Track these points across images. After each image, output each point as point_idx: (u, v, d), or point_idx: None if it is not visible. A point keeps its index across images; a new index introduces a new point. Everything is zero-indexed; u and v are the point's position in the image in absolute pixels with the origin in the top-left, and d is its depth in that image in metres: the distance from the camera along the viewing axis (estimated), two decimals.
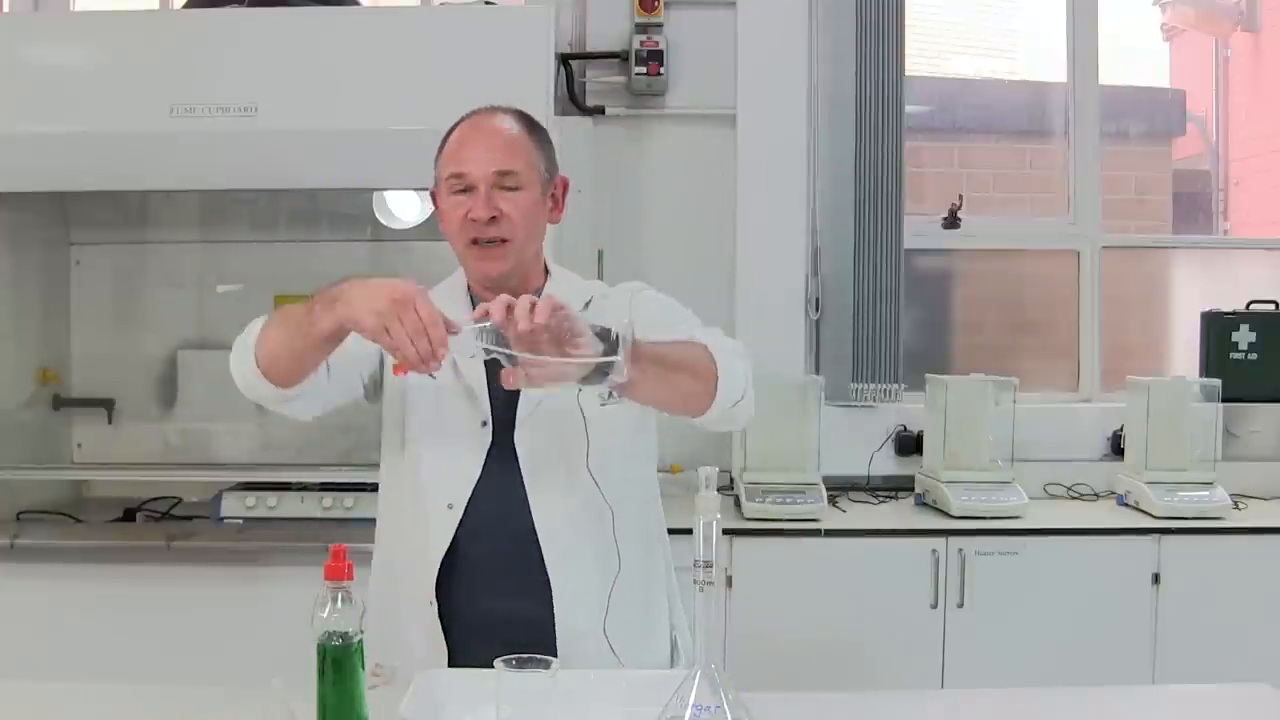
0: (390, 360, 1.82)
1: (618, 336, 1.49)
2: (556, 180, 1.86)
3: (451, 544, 1.76)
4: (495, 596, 1.74)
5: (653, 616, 1.88)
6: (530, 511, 1.75)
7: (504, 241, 1.77)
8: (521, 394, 1.75)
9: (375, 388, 1.89)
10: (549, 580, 1.74)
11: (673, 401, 1.69)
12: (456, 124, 1.84)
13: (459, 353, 1.60)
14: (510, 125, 1.81)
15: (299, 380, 1.77)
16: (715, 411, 1.69)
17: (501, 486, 1.76)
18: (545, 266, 1.90)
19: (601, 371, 1.49)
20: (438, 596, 1.76)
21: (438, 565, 1.76)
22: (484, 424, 1.78)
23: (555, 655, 1.67)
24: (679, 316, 1.86)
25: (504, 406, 1.77)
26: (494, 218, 1.75)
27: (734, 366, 1.70)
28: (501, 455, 1.78)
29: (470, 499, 1.77)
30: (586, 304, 1.85)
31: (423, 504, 1.80)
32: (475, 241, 1.77)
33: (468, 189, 1.77)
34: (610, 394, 1.63)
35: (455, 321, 1.54)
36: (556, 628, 1.73)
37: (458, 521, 1.76)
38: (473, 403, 1.79)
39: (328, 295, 1.65)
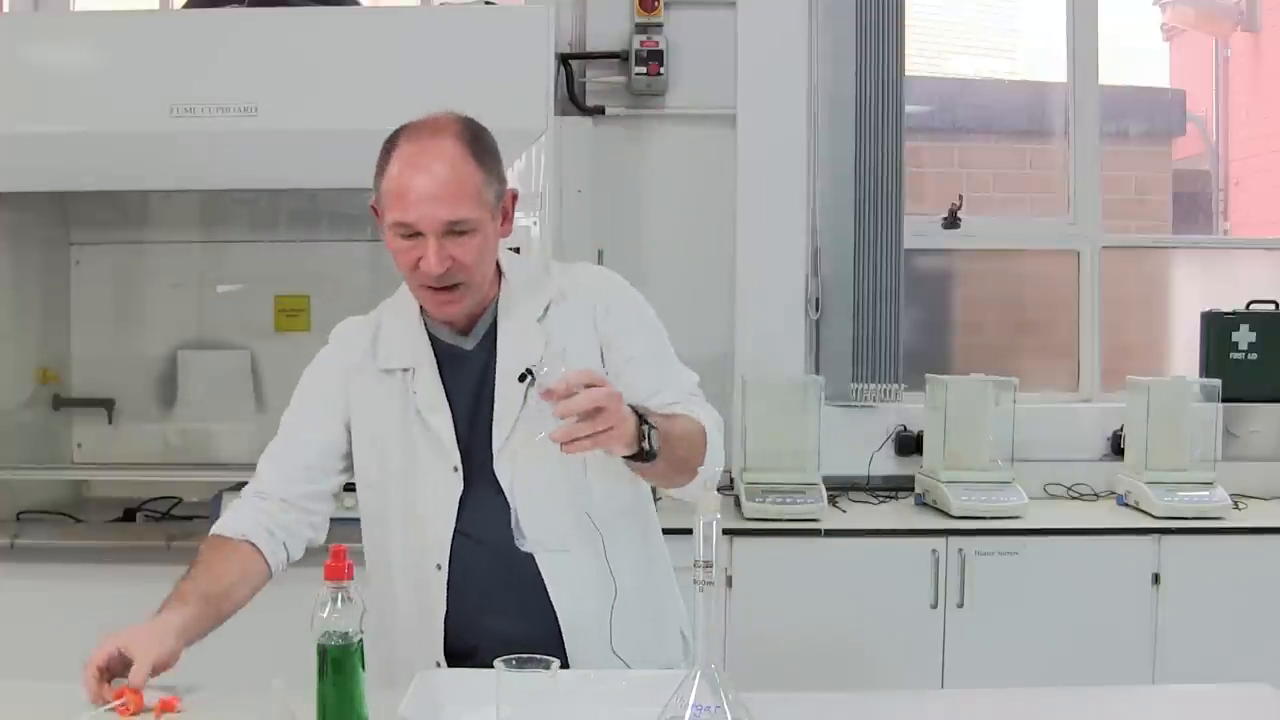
0: (355, 426, 1.82)
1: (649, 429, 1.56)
2: (506, 195, 1.75)
3: (449, 594, 1.74)
4: (501, 625, 1.70)
5: (661, 625, 1.85)
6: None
7: (459, 285, 1.69)
8: (494, 426, 1.73)
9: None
10: (553, 605, 1.72)
11: (671, 478, 1.66)
12: (395, 139, 1.71)
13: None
14: (455, 154, 1.66)
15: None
16: (688, 490, 1.67)
17: (491, 519, 1.71)
18: (499, 269, 1.81)
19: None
20: (446, 638, 1.74)
21: (441, 629, 1.73)
22: (455, 469, 1.74)
23: None
24: (659, 341, 1.81)
25: (479, 443, 1.73)
26: (448, 269, 1.66)
27: (719, 443, 1.70)
28: (487, 487, 1.73)
29: (459, 544, 1.73)
30: (545, 311, 1.78)
31: (411, 567, 1.77)
32: (428, 287, 1.69)
33: (415, 235, 1.66)
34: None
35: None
36: (567, 651, 1.71)
37: (446, 579, 1.73)
38: (441, 450, 1.75)
39: None
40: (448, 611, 1.74)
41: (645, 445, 1.53)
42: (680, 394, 1.75)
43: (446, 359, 1.78)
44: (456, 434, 1.75)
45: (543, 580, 1.72)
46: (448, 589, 1.73)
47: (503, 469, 1.73)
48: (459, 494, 1.74)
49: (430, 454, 1.76)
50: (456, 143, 1.68)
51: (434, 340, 1.80)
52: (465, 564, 1.74)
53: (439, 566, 1.74)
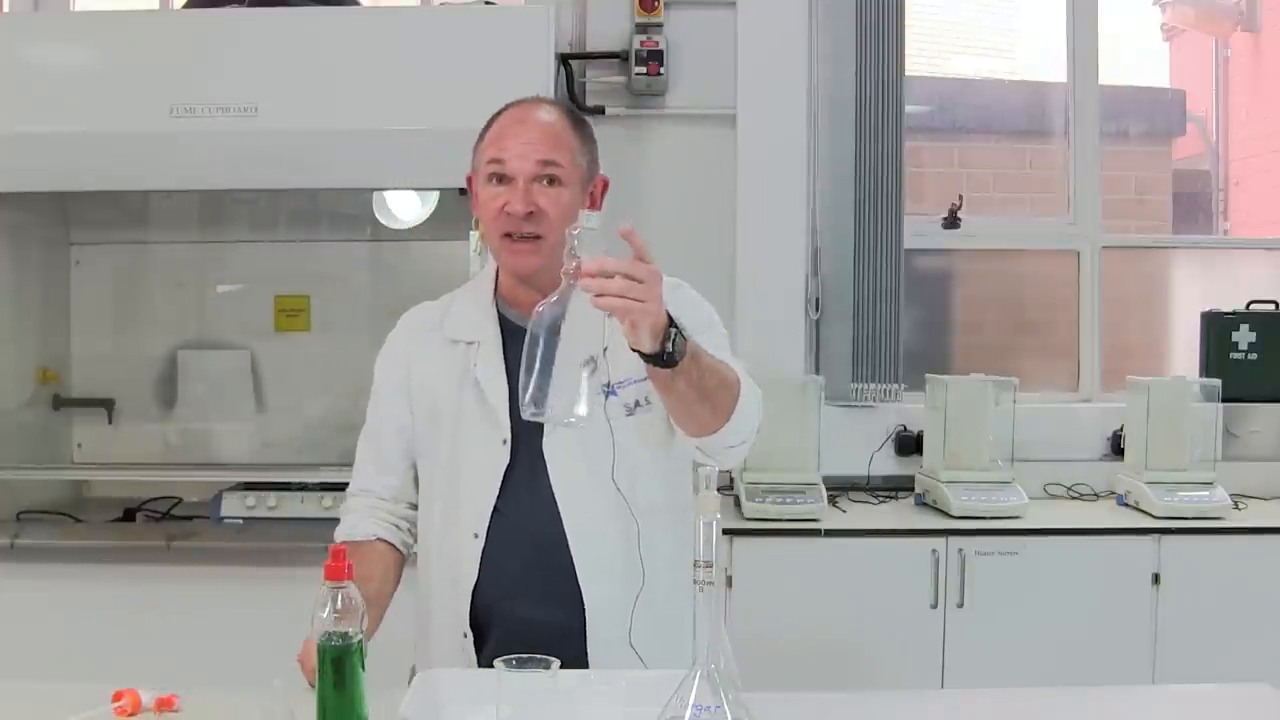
0: (414, 400, 1.85)
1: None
2: (596, 179, 1.84)
3: (481, 566, 1.75)
4: (527, 608, 1.72)
5: (689, 631, 1.85)
6: (561, 521, 1.73)
7: (538, 238, 1.74)
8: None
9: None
10: (580, 590, 1.72)
11: (692, 407, 1.63)
12: (499, 113, 1.81)
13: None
14: (555, 118, 1.79)
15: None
16: (716, 440, 1.67)
17: (531, 498, 1.74)
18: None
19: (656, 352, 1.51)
20: (472, 611, 1.75)
21: (469, 599, 1.75)
22: (504, 442, 1.76)
23: (586, 666, 1.68)
24: (711, 333, 1.81)
25: (531, 423, 1.72)
26: (530, 213, 1.72)
27: (751, 409, 1.69)
28: (530, 466, 1.75)
29: (495, 520, 1.75)
30: None
31: (449, 535, 1.79)
32: (509, 235, 1.74)
33: (506, 179, 1.74)
34: (637, 403, 1.67)
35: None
36: (588, 638, 1.72)
37: (481, 550, 1.75)
38: (493, 421, 1.77)
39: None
40: (477, 584, 1.75)
41: (668, 346, 1.52)
42: (726, 357, 1.74)
43: (512, 337, 1.80)
44: (511, 409, 1.76)
45: (573, 564, 1.72)
46: (480, 561, 1.75)
47: (552, 447, 1.74)
48: (504, 466, 1.76)
49: (482, 424, 1.78)
50: (558, 110, 1.83)
51: (503, 320, 1.83)
52: (501, 539, 1.75)
53: (476, 535, 1.75)
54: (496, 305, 1.84)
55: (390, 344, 1.93)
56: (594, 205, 1.82)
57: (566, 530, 1.73)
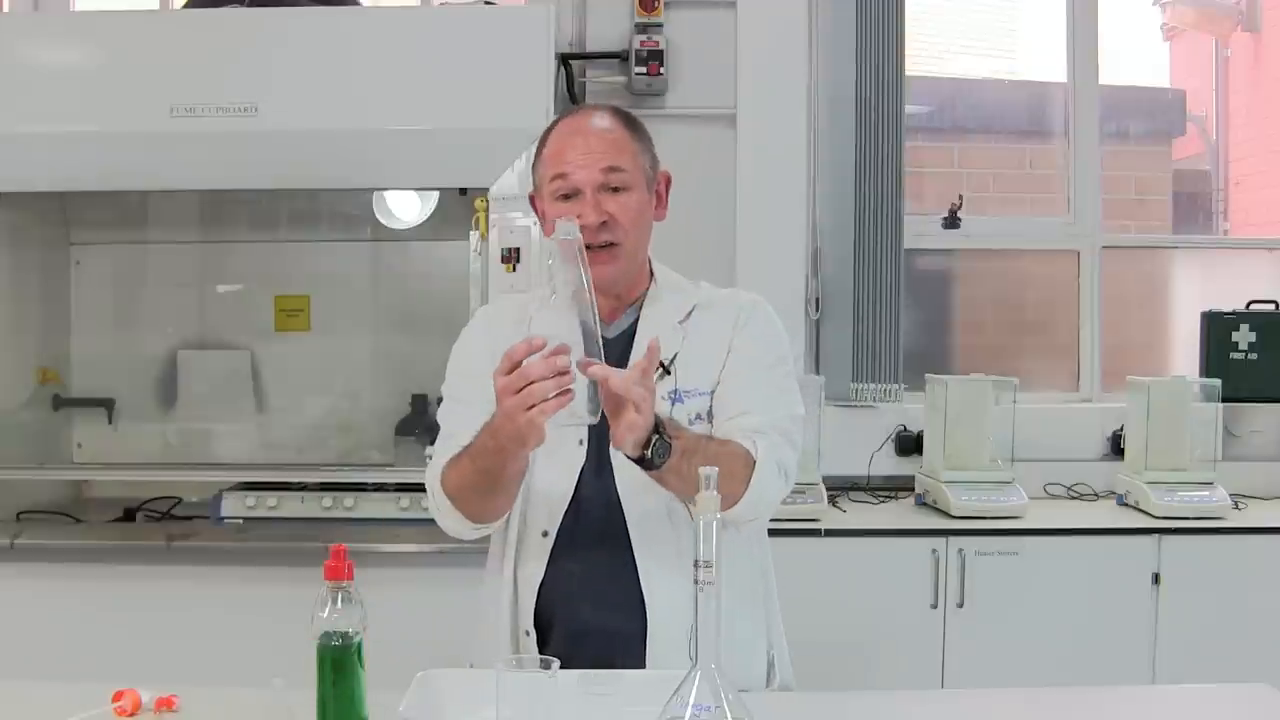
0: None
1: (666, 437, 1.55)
2: (659, 176, 1.84)
3: (548, 565, 1.75)
4: (590, 611, 1.73)
5: (747, 639, 1.83)
6: (626, 525, 1.73)
7: (614, 245, 1.74)
8: None
9: None
10: (643, 595, 1.72)
11: (681, 494, 1.64)
12: (552, 126, 1.81)
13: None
14: (609, 124, 1.79)
15: (489, 518, 1.75)
16: (731, 516, 1.63)
17: (598, 501, 1.74)
18: (650, 269, 1.87)
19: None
20: (535, 610, 1.75)
21: (534, 598, 1.75)
22: (580, 442, 1.76)
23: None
24: (774, 372, 1.81)
25: (603, 431, 1.70)
26: (604, 222, 1.72)
27: (766, 492, 1.67)
28: (597, 468, 1.75)
29: (565, 520, 1.75)
30: (687, 315, 1.82)
31: (520, 531, 1.78)
32: (587, 246, 1.71)
33: (573, 194, 1.73)
34: (699, 415, 1.68)
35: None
36: (648, 643, 1.71)
37: (550, 547, 1.75)
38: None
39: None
40: (543, 583, 1.74)
41: (647, 452, 1.54)
42: (767, 424, 1.74)
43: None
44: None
45: (638, 572, 1.72)
46: (549, 560, 1.75)
47: (618, 451, 1.71)
48: (580, 466, 1.75)
49: (562, 428, 1.74)
50: (611, 115, 1.82)
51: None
52: (568, 540, 1.75)
53: (545, 534, 1.75)
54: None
55: (468, 333, 1.92)
56: (660, 203, 1.85)
57: (631, 537, 1.73)
